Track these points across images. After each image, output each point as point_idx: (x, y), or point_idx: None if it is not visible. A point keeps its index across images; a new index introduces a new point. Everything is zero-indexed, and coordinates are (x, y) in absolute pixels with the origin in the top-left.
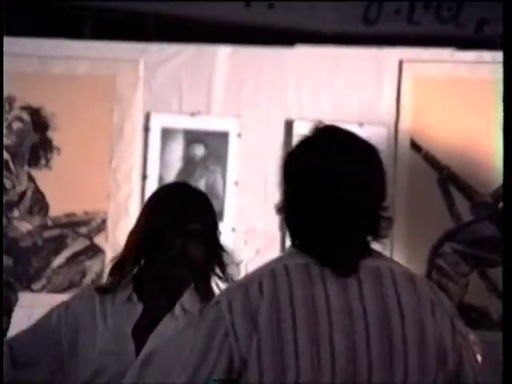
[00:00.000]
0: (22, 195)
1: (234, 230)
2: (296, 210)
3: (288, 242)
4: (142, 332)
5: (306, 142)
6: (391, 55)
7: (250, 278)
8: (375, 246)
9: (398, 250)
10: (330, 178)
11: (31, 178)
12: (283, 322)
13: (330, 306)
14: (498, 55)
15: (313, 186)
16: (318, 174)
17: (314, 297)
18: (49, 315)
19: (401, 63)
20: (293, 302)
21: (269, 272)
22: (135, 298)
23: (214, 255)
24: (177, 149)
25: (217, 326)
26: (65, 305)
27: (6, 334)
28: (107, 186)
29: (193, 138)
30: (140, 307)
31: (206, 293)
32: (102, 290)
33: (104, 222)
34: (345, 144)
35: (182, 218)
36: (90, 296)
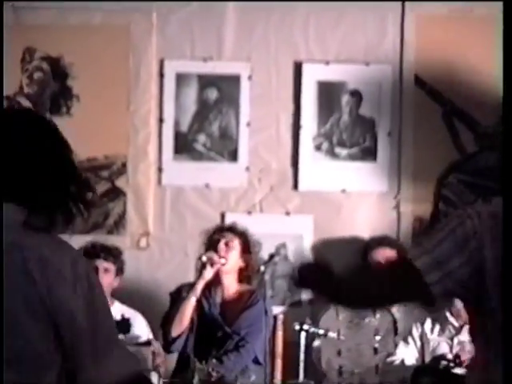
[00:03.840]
0: None
1: (247, 169)
2: None
3: (301, 179)
4: None
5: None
6: None
7: None
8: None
9: (405, 182)
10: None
11: None
12: None
13: None
14: None
15: None
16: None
17: None
18: None
19: (403, 2)
20: None
21: None
22: None
23: None
24: (191, 93)
25: None
26: None
27: None
28: (126, 131)
29: (206, 82)
30: None
31: None
32: None
33: (124, 165)
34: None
35: None
36: None
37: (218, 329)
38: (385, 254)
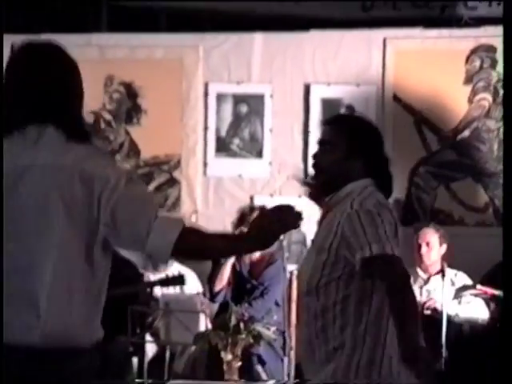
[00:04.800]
0: (122, 144)
1: (270, 163)
2: None
3: (309, 171)
4: None
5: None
6: (378, 34)
7: None
8: None
9: None
10: None
11: (127, 132)
12: None
13: None
14: (456, 32)
15: None
16: None
17: None
18: None
19: (385, 40)
20: None
21: None
22: None
23: None
24: (227, 108)
25: None
26: None
27: None
28: (180, 136)
29: (239, 99)
30: None
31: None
32: None
33: (179, 161)
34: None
35: None
36: None
37: (247, 282)
38: None
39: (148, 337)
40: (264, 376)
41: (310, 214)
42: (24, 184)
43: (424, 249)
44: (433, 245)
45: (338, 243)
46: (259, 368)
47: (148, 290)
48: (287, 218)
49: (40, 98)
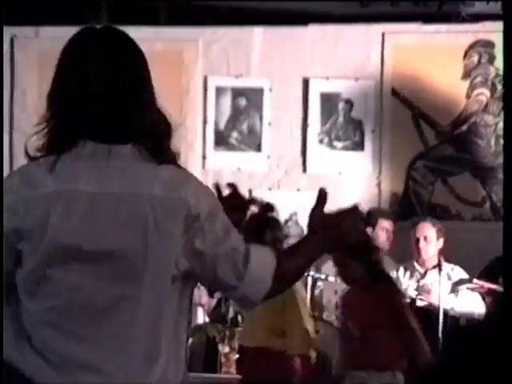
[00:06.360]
0: None
1: (269, 157)
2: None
3: (308, 164)
4: None
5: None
6: (377, 29)
7: None
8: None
9: (384, 167)
10: None
11: None
12: None
13: None
14: (454, 27)
15: None
16: None
17: None
18: None
19: (383, 35)
20: None
21: None
22: None
23: None
24: (226, 101)
25: None
26: None
27: None
28: (179, 130)
29: (237, 93)
30: None
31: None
32: None
33: (178, 154)
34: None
35: None
36: None
37: None
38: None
39: None
40: None
41: (308, 207)
42: (96, 215)
43: (422, 243)
44: (430, 239)
45: None
46: None
47: None
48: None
49: (125, 108)
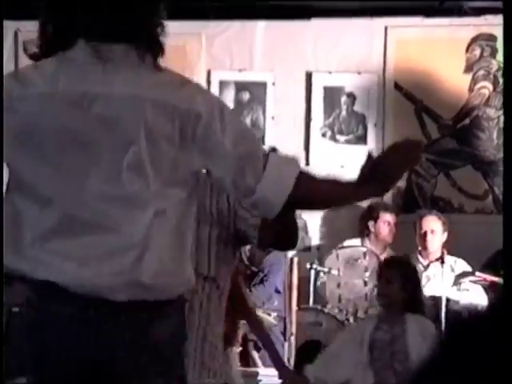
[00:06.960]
0: None
1: (272, 150)
2: None
3: (311, 158)
4: None
5: None
6: (379, 23)
7: None
8: None
9: None
10: None
11: None
12: None
13: None
14: (456, 20)
15: None
16: None
17: None
18: None
19: (386, 28)
20: None
21: None
22: None
23: None
24: (230, 95)
25: None
26: None
27: None
28: None
29: (241, 87)
30: None
31: None
32: None
33: None
34: None
35: None
36: None
37: (247, 269)
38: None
39: None
40: (259, 362)
41: None
42: (95, 116)
43: (429, 236)
44: (436, 232)
45: None
46: (255, 354)
47: None
48: (409, 153)
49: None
